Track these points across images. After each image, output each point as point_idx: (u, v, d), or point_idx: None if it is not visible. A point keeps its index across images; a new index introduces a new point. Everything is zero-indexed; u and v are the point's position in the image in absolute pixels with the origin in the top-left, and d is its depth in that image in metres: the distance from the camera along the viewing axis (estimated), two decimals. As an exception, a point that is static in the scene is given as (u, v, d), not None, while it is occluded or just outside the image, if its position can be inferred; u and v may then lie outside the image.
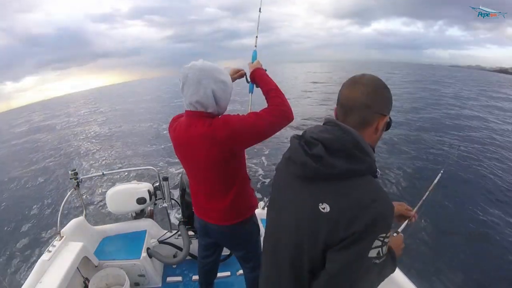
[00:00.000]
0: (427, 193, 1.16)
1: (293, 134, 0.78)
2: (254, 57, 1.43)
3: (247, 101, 1.48)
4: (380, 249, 0.64)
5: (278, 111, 1.15)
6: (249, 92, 1.44)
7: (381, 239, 0.63)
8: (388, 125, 0.77)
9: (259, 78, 1.33)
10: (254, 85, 1.38)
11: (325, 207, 0.66)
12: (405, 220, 1.03)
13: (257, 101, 1.45)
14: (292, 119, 1.20)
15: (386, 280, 0.77)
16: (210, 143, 1.12)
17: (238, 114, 1.16)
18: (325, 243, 0.67)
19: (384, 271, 0.75)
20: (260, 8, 1.64)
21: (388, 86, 0.76)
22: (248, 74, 1.39)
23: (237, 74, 1.38)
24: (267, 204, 0.92)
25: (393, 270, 0.79)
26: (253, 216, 1.42)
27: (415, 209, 1.05)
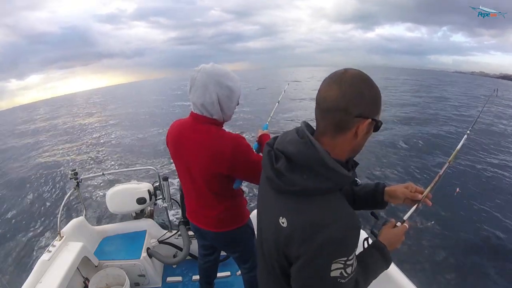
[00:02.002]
0: (446, 166, 0.90)
1: (269, 139, 0.75)
2: (265, 128, 1.63)
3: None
4: (342, 270, 0.60)
5: None
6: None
7: (342, 262, 0.59)
8: (376, 127, 0.67)
9: (265, 141, 1.40)
10: (259, 147, 1.51)
11: (284, 222, 0.65)
12: (414, 204, 0.85)
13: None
14: None
15: (381, 276, 0.77)
16: (211, 153, 1.11)
17: (250, 145, 1.18)
18: (285, 255, 0.66)
19: (370, 274, 0.74)
20: (278, 101, 1.94)
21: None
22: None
23: None
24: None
25: (386, 268, 0.77)
26: (248, 221, 1.42)
27: (427, 189, 0.84)
